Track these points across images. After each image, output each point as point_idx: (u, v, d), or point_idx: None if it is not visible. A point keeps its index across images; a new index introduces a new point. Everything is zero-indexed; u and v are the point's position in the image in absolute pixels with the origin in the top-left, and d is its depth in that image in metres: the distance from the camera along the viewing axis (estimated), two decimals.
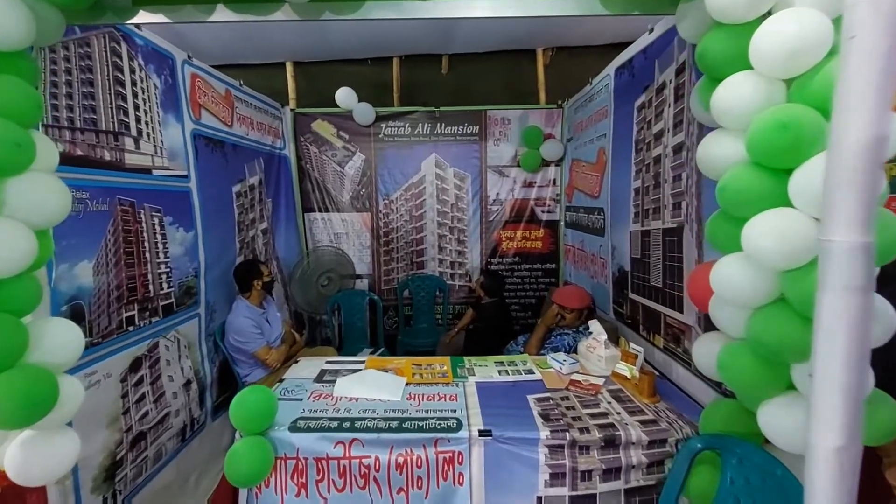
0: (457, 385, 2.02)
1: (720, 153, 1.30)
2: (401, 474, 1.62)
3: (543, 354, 2.40)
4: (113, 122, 1.81)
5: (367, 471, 1.61)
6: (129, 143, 1.90)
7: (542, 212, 3.94)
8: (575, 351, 2.33)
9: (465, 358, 2.34)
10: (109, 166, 1.79)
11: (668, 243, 2.06)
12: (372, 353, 3.24)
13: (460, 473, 1.63)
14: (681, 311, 1.96)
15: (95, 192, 1.71)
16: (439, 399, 1.89)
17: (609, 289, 2.80)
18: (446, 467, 1.62)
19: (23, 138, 1.14)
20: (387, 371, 2.15)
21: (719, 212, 1.33)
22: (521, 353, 2.55)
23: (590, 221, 3.16)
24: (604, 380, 2.05)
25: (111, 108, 1.81)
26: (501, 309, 3.27)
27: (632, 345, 2.06)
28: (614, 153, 2.71)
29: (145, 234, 1.98)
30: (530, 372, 2.16)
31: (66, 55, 1.61)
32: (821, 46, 1.04)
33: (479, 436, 1.63)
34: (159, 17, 1.41)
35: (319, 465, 1.62)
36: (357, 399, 1.89)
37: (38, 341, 1.19)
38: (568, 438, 1.60)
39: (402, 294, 3.97)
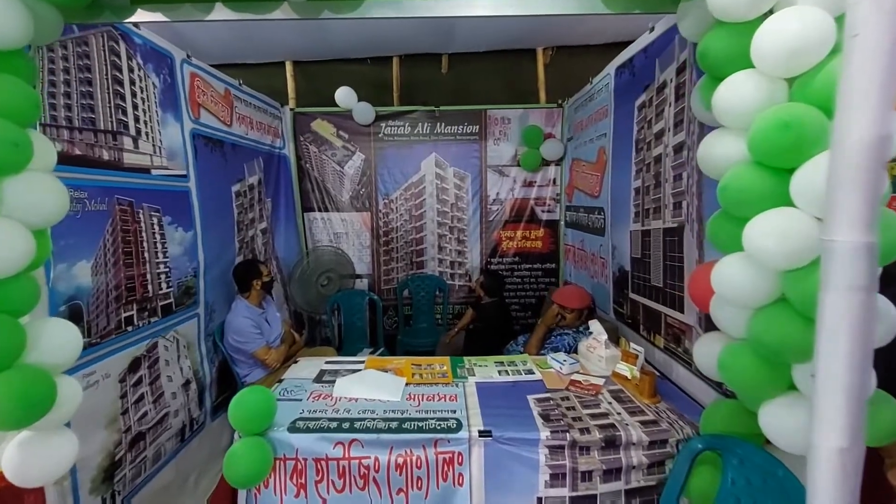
0: (457, 385, 2.02)
1: (721, 152, 1.29)
2: (400, 475, 1.61)
3: (543, 354, 2.39)
4: (111, 122, 1.81)
5: (366, 471, 1.61)
6: (127, 142, 1.89)
7: (543, 211, 3.94)
8: (575, 351, 2.32)
9: (465, 358, 2.34)
10: (108, 166, 1.78)
11: (668, 243, 2.05)
12: (371, 353, 3.23)
13: (460, 474, 1.62)
14: (681, 311, 1.95)
15: (94, 191, 1.70)
16: (439, 399, 1.88)
17: (609, 289, 2.80)
18: (446, 468, 1.62)
19: (20, 137, 1.13)
20: (386, 371, 2.14)
21: (720, 211, 1.32)
22: (521, 353, 2.55)
23: (590, 221, 3.15)
24: (604, 380, 2.04)
25: (110, 107, 1.80)
26: (501, 309, 3.27)
27: (632, 345, 2.06)
28: (615, 152, 2.70)
29: (144, 234, 1.97)
30: (530, 372, 2.16)
31: (65, 54, 1.60)
32: (823, 45, 1.03)
33: (479, 436, 1.62)
34: (157, 16, 1.41)
35: (319, 466, 1.62)
36: (356, 399, 1.88)
37: (36, 342, 1.18)
38: (568, 439, 1.59)
39: (402, 294, 3.96)
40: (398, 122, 3.82)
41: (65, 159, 1.55)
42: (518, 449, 1.61)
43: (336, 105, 3.64)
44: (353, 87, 3.61)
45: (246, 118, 3.07)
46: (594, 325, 2.21)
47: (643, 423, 1.67)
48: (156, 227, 2.05)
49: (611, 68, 2.70)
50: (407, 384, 2.02)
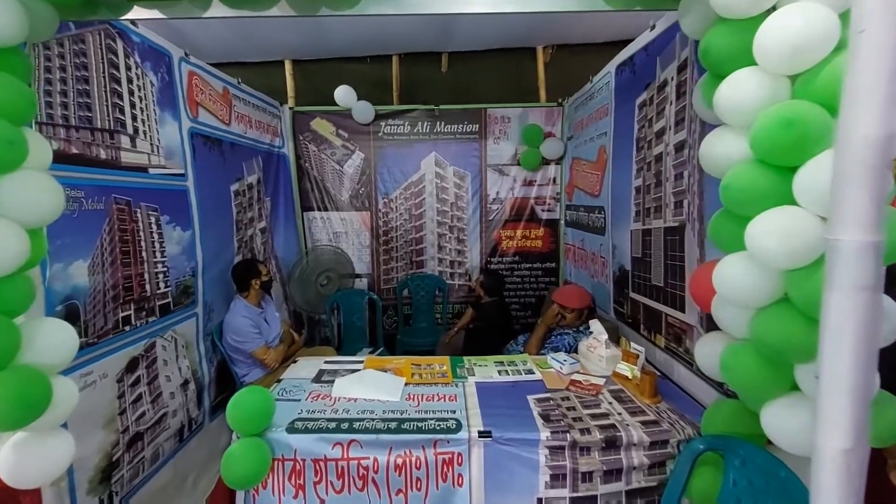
0: (456, 385, 2.01)
1: (723, 151, 1.28)
2: (399, 476, 1.60)
3: (544, 354, 2.39)
4: (109, 120, 1.79)
5: (365, 472, 1.60)
6: (125, 141, 1.88)
7: (543, 210, 3.93)
8: (575, 351, 2.31)
9: (465, 358, 2.33)
10: (105, 164, 1.77)
11: (669, 242, 2.04)
12: (371, 352, 3.22)
13: (460, 475, 1.61)
14: (682, 311, 1.94)
15: (91, 190, 1.69)
16: (439, 399, 1.87)
17: (610, 288, 2.79)
18: (445, 468, 1.61)
19: (15, 136, 1.12)
20: (386, 371, 2.13)
21: (722, 210, 1.31)
22: (521, 352, 2.54)
23: (590, 220, 3.14)
24: (604, 380, 2.03)
25: (107, 105, 1.79)
26: (501, 308, 3.26)
27: (633, 344, 2.05)
28: (615, 151, 2.69)
29: (142, 234, 1.96)
30: (530, 372, 2.15)
31: (61, 52, 1.59)
32: (827, 42, 1.02)
33: (479, 437, 1.61)
34: (154, 13, 1.39)
35: (317, 467, 1.61)
36: (355, 399, 1.87)
37: (31, 342, 1.17)
38: (568, 439, 1.58)
39: (402, 293, 3.95)
40: (398, 121, 3.81)
41: (61, 158, 1.54)
42: (518, 449, 1.60)
43: (335, 104, 3.63)
44: (353, 86, 3.60)
45: (245, 117, 3.05)
46: (594, 324, 2.20)
47: (644, 423, 1.66)
48: (154, 227, 2.04)
49: (611, 67, 2.69)
50: (406, 384, 2.01)
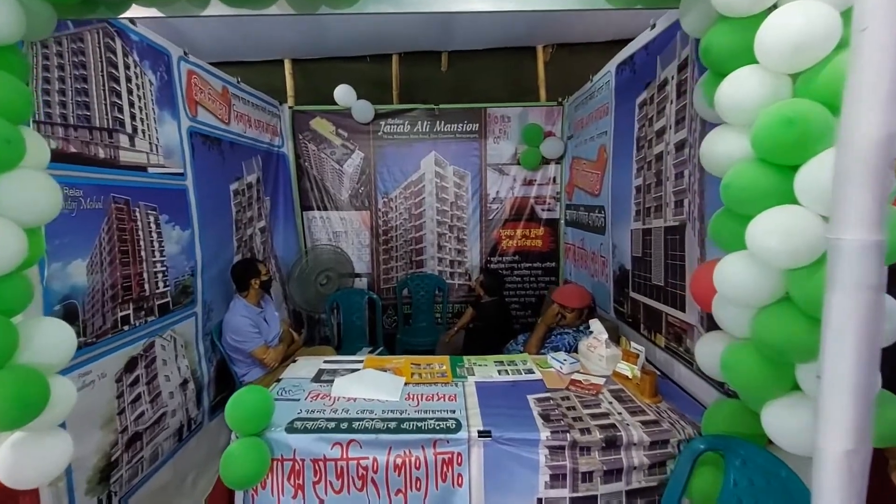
0: (456, 385, 2.00)
1: (724, 149, 1.27)
2: (399, 476, 1.60)
3: (544, 354, 2.38)
4: (107, 119, 1.79)
5: (364, 472, 1.59)
6: (123, 140, 1.87)
7: (542, 210, 3.92)
8: (575, 350, 2.31)
9: (465, 357, 2.32)
10: (104, 164, 1.77)
11: (669, 241, 2.04)
12: (371, 352, 3.22)
13: (459, 475, 1.60)
14: (683, 310, 1.94)
15: (89, 189, 1.68)
16: (438, 399, 1.86)
17: (610, 287, 2.78)
18: (445, 468, 1.60)
19: (12, 134, 1.12)
20: (385, 370, 2.13)
21: (723, 209, 1.31)
22: (521, 352, 2.53)
23: (590, 220, 3.14)
24: (605, 379, 2.03)
25: (105, 104, 1.78)
26: (501, 308, 3.25)
27: (633, 344, 2.04)
28: (615, 151, 2.68)
29: (141, 233, 1.96)
30: (530, 371, 2.14)
31: (59, 51, 1.58)
32: (828, 40, 1.01)
33: (479, 436, 1.61)
34: (152, 12, 1.39)
35: (316, 467, 1.60)
36: (355, 399, 1.86)
37: (29, 341, 1.16)
38: (568, 439, 1.58)
39: (402, 293, 3.95)
40: (397, 120, 3.80)
41: (60, 157, 1.54)
42: (518, 449, 1.60)
43: (335, 103, 3.62)
44: (353, 85, 3.60)
45: (244, 116, 3.05)
46: (595, 324, 2.20)
47: (644, 423, 1.65)
48: (152, 226, 2.04)
49: (611, 66, 2.68)
50: (406, 384, 2.00)
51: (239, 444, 1.56)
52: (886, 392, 1.05)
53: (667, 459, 1.59)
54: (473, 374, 2.10)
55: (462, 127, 3.80)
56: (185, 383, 2.26)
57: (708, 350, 1.43)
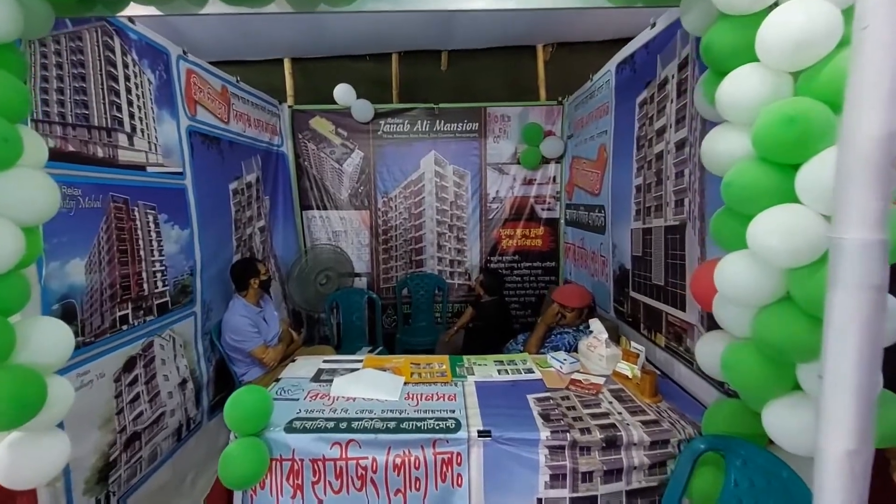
0: (456, 385, 2.00)
1: (725, 148, 1.27)
2: (398, 475, 1.59)
3: (543, 353, 2.38)
4: (106, 118, 1.78)
5: (364, 472, 1.59)
6: (122, 139, 1.87)
7: (542, 209, 3.91)
8: (575, 350, 2.30)
9: (465, 357, 2.32)
10: (102, 163, 1.76)
11: (670, 241, 2.03)
12: (370, 351, 3.21)
13: (459, 475, 1.60)
14: (683, 310, 1.93)
15: (88, 188, 1.68)
16: (438, 399, 1.86)
17: (610, 287, 2.78)
18: (445, 468, 1.60)
19: (9, 133, 1.11)
20: (385, 370, 2.12)
21: (724, 208, 1.30)
22: (521, 351, 2.53)
23: (590, 219, 3.13)
24: (605, 379, 2.02)
25: (104, 103, 1.78)
26: (501, 307, 3.25)
27: (633, 344, 2.04)
28: (615, 150, 2.68)
29: (139, 232, 1.95)
30: (530, 371, 2.14)
31: (58, 49, 1.57)
32: (829, 38, 1.01)
33: (479, 436, 1.60)
34: (150, 10, 1.38)
35: (315, 467, 1.60)
36: (354, 399, 1.86)
37: (26, 341, 1.16)
38: (568, 439, 1.57)
39: (401, 292, 3.94)
40: (397, 119, 3.79)
41: (58, 156, 1.53)
42: (518, 449, 1.59)
43: (335, 102, 3.62)
44: (352, 85, 3.59)
45: (243, 115, 3.04)
46: (595, 323, 2.19)
47: (644, 422, 1.65)
48: (151, 225, 2.03)
49: (611, 65, 2.67)
50: (405, 383, 2.00)
51: (237, 444, 1.55)
52: (888, 392, 1.04)
53: (667, 459, 1.59)
54: (473, 374, 2.10)
55: (462, 126, 3.79)
56: (183, 383, 2.25)
57: (708, 349, 1.43)
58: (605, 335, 2.12)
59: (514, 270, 3.98)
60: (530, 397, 1.86)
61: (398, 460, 1.58)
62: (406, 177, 3.88)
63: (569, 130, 3.65)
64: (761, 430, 1.22)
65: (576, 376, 2.05)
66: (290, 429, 1.63)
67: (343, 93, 3.55)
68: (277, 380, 2.08)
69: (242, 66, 3.67)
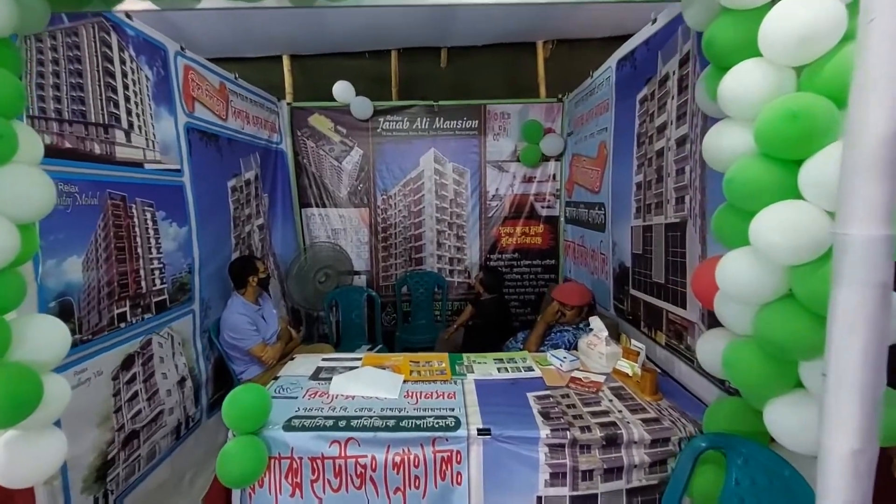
0: (455, 383, 1.99)
1: (727, 144, 1.26)
2: (398, 474, 1.58)
3: (543, 351, 2.37)
4: (103, 114, 1.77)
5: (363, 470, 1.58)
6: (119, 135, 1.85)
7: (542, 207, 3.90)
8: (575, 348, 2.30)
9: (464, 355, 2.31)
10: (99, 159, 1.75)
11: (670, 238, 2.02)
12: (369, 349, 3.20)
13: (458, 473, 1.59)
14: (683, 308, 1.92)
15: (85, 185, 1.66)
16: (437, 397, 1.85)
17: (610, 285, 2.77)
18: (444, 467, 1.59)
19: (4, 129, 1.10)
20: (384, 368, 2.12)
21: (726, 205, 1.29)
22: (521, 349, 2.52)
23: (590, 217, 3.12)
24: (605, 377, 2.01)
25: (101, 99, 1.76)
26: (501, 305, 3.24)
27: (633, 341, 2.03)
28: (615, 147, 2.67)
29: (137, 230, 1.94)
30: (530, 369, 2.13)
31: (54, 45, 1.56)
32: (833, 32, 1.00)
33: (478, 434, 1.59)
34: (147, 4, 1.37)
35: (314, 465, 1.59)
36: (353, 397, 1.85)
37: (22, 339, 1.15)
38: (568, 437, 1.57)
39: (401, 290, 3.93)
40: (397, 116, 3.78)
41: (54, 152, 1.52)
42: (517, 447, 1.58)
43: (334, 100, 3.60)
44: (351, 82, 3.57)
45: (242, 112, 3.03)
46: (595, 321, 2.18)
47: (645, 420, 1.64)
48: (149, 223, 2.02)
49: (612, 61, 2.66)
50: (405, 381, 1.99)
51: (236, 442, 1.54)
52: (891, 390, 1.03)
53: (667, 458, 1.58)
54: (473, 372, 2.09)
55: (461, 124, 3.78)
56: (182, 381, 2.24)
57: (709, 347, 1.42)
58: (606, 333, 2.11)
59: (513, 268, 3.97)
60: (530, 395, 1.85)
61: (397, 458, 1.58)
62: (405, 174, 3.87)
63: (569, 128, 3.63)
64: (763, 428, 1.21)
65: (576, 374, 2.04)
66: (288, 427, 1.62)
67: (342, 90, 3.54)
68: (276, 378, 2.07)
69: (241, 63, 3.65)
